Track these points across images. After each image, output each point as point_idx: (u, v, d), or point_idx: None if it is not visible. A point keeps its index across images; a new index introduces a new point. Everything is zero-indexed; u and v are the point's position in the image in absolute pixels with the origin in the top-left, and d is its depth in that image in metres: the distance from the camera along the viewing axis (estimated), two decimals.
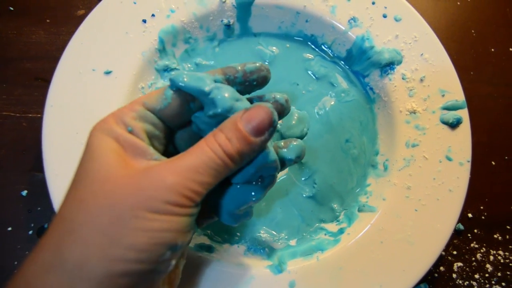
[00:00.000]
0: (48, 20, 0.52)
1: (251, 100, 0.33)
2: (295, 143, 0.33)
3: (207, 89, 0.28)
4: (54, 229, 0.25)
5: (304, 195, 0.46)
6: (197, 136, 0.31)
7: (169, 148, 0.32)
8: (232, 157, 0.27)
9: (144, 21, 0.45)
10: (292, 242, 0.45)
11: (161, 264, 0.26)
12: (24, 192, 0.47)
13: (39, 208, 0.46)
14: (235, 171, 0.29)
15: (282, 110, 0.33)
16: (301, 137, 0.46)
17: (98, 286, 0.23)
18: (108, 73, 0.44)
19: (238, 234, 0.44)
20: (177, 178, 0.25)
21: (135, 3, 0.45)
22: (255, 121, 0.27)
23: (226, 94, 0.28)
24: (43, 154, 0.41)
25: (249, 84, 0.32)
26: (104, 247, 0.24)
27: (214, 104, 0.28)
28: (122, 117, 0.28)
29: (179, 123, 0.31)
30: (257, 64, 0.32)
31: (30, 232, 0.46)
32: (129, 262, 0.24)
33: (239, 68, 0.31)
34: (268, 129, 0.28)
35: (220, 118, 0.29)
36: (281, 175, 0.46)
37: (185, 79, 0.28)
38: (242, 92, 0.31)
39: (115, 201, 0.25)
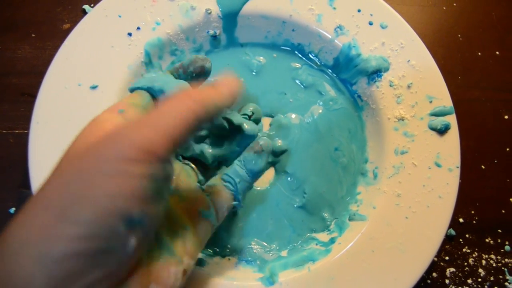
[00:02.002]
0: (33, 35, 0.52)
1: None
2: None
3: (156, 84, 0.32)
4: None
5: (294, 205, 0.45)
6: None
7: None
8: (198, 101, 0.25)
9: (130, 34, 0.45)
10: (284, 253, 0.44)
11: (114, 241, 0.21)
12: (12, 210, 0.46)
13: None
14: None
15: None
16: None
17: (41, 271, 0.20)
18: (94, 87, 0.43)
19: (229, 246, 0.44)
20: (133, 128, 0.23)
21: (120, 16, 0.45)
22: (225, 82, 0.29)
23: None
24: (29, 171, 0.41)
25: (190, 75, 0.35)
26: (46, 224, 0.20)
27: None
28: (116, 106, 0.29)
29: None
30: (193, 56, 0.35)
31: None
32: (72, 240, 0.20)
33: (178, 65, 0.35)
34: (236, 91, 0.29)
35: None
36: (266, 182, 0.46)
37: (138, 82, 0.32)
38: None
39: (69, 169, 0.22)
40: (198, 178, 0.38)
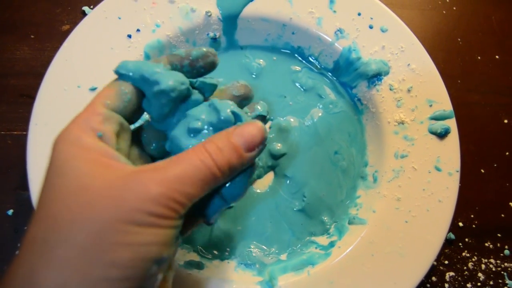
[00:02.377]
0: (32, 36, 0.52)
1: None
2: (259, 107, 0.34)
3: (158, 70, 0.27)
4: (25, 253, 0.23)
5: (294, 209, 0.45)
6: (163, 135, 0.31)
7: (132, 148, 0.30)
8: (221, 169, 0.26)
9: (129, 36, 0.45)
10: (283, 257, 0.44)
11: (147, 280, 0.24)
12: (10, 211, 0.46)
13: (25, 228, 0.45)
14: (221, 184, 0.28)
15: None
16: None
17: None
18: (93, 89, 0.43)
19: (228, 249, 0.44)
20: (162, 189, 0.24)
21: (120, 18, 0.45)
22: (248, 136, 0.27)
23: (170, 82, 0.27)
24: (28, 173, 0.40)
25: (197, 71, 0.31)
26: (83, 267, 0.22)
27: (158, 83, 0.27)
28: (88, 123, 0.25)
29: (138, 118, 0.30)
30: (204, 49, 0.31)
31: (17, 252, 0.45)
32: (113, 282, 0.22)
33: (184, 55, 0.30)
34: (259, 145, 0.27)
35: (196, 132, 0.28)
36: (265, 185, 0.46)
37: (131, 67, 0.28)
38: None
39: (92, 215, 0.22)
40: None
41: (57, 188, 0.24)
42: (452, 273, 0.48)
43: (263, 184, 0.46)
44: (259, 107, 0.34)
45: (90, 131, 0.25)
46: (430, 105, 0.45)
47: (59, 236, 0.22)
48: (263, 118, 0.35)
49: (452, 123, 0.45)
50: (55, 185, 0.24)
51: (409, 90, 0.45)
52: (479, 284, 0.48)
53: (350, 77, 0.48)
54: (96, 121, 0.26)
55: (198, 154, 0.26)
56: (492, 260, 0.49)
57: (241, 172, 0.29)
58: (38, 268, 0.22)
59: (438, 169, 0.44)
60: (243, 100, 0.34)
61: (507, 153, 0.52)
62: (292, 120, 0.47)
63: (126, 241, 0.22)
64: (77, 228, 0.22)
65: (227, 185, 0.29)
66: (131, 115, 0.29)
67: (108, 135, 0.26)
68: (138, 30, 0.45)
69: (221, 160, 0.26)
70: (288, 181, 0.46)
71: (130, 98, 0.28)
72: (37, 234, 0.23)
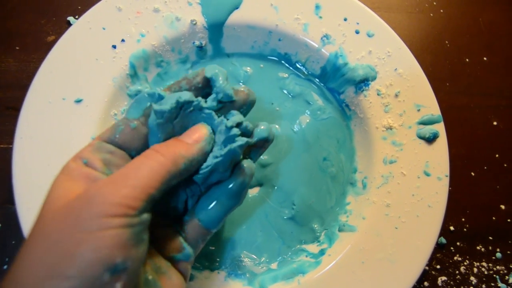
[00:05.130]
0: (17, 47, 0.51)
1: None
2: (262, 127, 0.34)
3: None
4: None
5: (283, 217, 0.45)
6: None
7: None
8: (168, 157, 0.27)
9: (114, 46, 0.45)
10: (273, 266, 0.44)
11: (95, 284, 0.23)
12: None
13: (13, 242, 0.45)
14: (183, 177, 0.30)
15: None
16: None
17: None
18: (78, 101, 0.43)
19: (218, 259, 0.44)
20: (109, 187, 0.25)
21: (104, 28, 0.45)
22: (190, 131, 0.31)
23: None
24: (14, 187, 0.40)
25: (195, 87, 0.33)
26: (39, 282, 0.23)
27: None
28: (80, 153, 0.29)
29: (138, 146, 0.31)
30: (197, 70, 0.33)
31: (5, 266, 0.44)
32: None
33: (181, 79, 0.33)
34: (204, 137, 0.30)
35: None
36: (254, 193, 0.45)
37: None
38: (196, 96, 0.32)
39: (48, 234, 0.24)
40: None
41: (41, 210, 0.27)
42: (444, 278, 0.48)
43: (252, 193, 0.46)
44: (262, 127, 0.34)
45: (78, 159, 0.29)
46: (418, 110, 0.45)
47: (27, 255, 0.24)
48: (266, 142, 0.35)
49: (440, 128, 0.44)
50: (39, 215, 0.26)
51: (396, 95, 0.45)
52: (471, 287, 0.47)
53: (338, 82, 0.47)
54: (86, 151, 0.29)
55: (146, 152, 0.28)
56: (484, 264, 0.48)
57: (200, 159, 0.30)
58: (8, 282, 0.24)
59: (427, 174, 0.43)
60: (246, 106, 0.35)
61: (497, 156, 0.52)
62: (277, 127, 0.47)
63: (74, 251, 0.23)
64: (40, 247, 0.24)
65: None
66: (128, 144, 0.31)
67: (92, 161, 0.29)
68: (123, 40, 0.45)
69: (166, 150, 0.28)
70: (277, 189, 0.45)
71: (122, 130, 0.30)
72: (25, 256, 0.25)
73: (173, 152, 0.28)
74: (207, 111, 0.32)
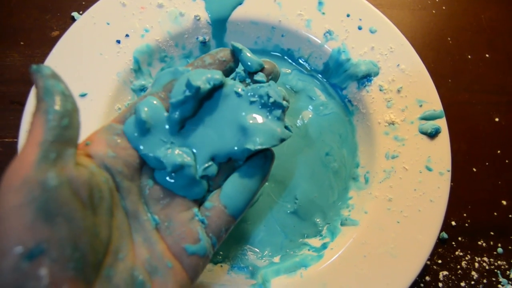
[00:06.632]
0: (22, 43, 0.52)
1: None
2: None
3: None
4: None
5: (286, 211, 0.45)
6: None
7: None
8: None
9: (118, 41, 0.45)
10: (276, 259, 0.44)
11: (22, 280, 0.20)
12: None
13: None
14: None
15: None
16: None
17: None
18: (83, 95, 0.43)
19: (221, 253, 0.44)
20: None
21: (108, 23, 0.45)
22: None
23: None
24: None
25: (219, 61, 0.32)
26: None
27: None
28: (91, 135, 0.29)
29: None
30: (216, 50, 0.33)
31: None
32: None
33: (203, 56, 0.32)
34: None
35: None
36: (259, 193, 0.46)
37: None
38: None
39: None
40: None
41: None
42: (445, 272, 0.48)
43: None
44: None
45: (83, 142, 0.29)
46: (420, 105, 0.45)
47: None
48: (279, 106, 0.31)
49: (442, 123, 0.45)
50: None
51: (399, 91, 0.46)
52: (472, 282, 0.48)
53: (340, 78, 0.48)
54: (95, 132, 0.29)
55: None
56: (485, 259, 0.49)
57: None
58: None
59: (429, 169, 0.44)
60: (272, 76, 0.34)
61: (498, 151, 0.52)
62: None
63: None
64: None
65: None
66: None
67: (98, 143, 0.28)
68: (127, 35, 0.45)
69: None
70: (279, 184, 0.46)
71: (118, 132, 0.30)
72: None
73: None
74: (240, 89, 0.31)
